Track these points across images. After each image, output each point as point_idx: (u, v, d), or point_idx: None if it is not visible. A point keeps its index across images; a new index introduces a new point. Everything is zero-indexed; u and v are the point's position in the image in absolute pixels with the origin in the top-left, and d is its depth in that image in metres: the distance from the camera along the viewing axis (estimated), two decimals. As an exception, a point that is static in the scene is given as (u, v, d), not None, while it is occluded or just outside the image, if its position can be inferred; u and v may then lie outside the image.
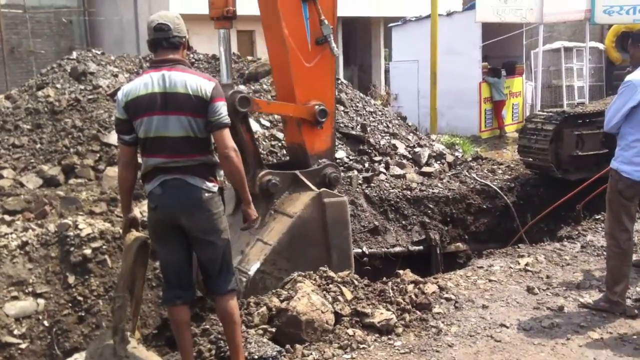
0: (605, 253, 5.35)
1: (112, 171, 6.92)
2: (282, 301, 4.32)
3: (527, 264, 5.91)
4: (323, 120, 4.30)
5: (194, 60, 10.31)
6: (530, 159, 8.74)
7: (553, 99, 15.29)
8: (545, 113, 8.98)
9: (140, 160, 3.89)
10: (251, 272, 4.08)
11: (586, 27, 14.84)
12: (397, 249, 7.32)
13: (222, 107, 3.74)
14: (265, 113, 8.75)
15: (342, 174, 5.76)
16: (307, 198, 4.21)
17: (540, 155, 8.50)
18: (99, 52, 9.64)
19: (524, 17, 13.55)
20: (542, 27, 13.79)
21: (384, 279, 5.15)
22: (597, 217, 7.41)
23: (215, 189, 3.85)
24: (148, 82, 3.70)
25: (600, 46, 16.61)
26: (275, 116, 8.69)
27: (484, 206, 8.28)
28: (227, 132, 3.77)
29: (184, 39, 3.81)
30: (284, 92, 4.37)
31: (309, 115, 4.25)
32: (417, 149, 9.39)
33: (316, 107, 4.29)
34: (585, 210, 7.83)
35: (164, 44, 3.73)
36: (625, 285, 4.91)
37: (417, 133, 10.50)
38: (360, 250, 6.92)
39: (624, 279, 4.92)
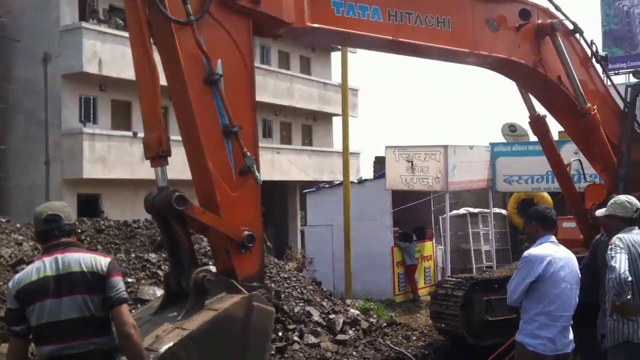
0: None
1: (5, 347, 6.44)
2: None
3: None
4: (251, 245, 4.37)
5: (104, 226, 10.16)
6: (443, 325, 8.80)
7: (462, 262, 15.80)
8: (454, 279, 9.19)
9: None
10: (161, 350, 3.85)
11: (489, 194, 15.79)
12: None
13: (119, 282, 3.64)
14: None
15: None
16: (237, 297, 4.21)
17: (452, 321, 8.58)
18: (3, 220, 9.36)
19: (431, 186, 14.32)
20: (447, 195, 14.55)
21: None
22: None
23: None
24: (40, 267, 3.58)
25: (504, 212, 17.57)
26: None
27: (400, 376, 8.16)
28: (125, 308, 3.63)
29: (74, 225, 3.81)
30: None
31: (237, 236, 4.34)
32: (332, 316, 9.32)
33: (245, 232, 4.36)
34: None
35: (56, 233, 3.68)
36: None
37: (332, 298, 10.47)
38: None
39: None
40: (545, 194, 15.29)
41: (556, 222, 5.19)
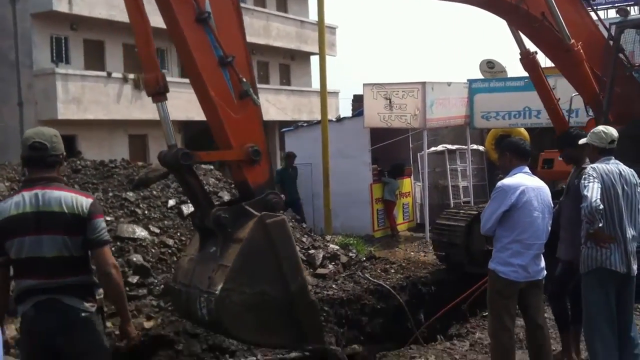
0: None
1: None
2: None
3: (419, 365, 5.93)
4: (258, 158, 4.89)
5: (80, 167, 10.08)
6: (444, 254, 9.22)
7: (440, 198, 15.96)
8: (456, 210, 9.56)
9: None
10: (217, 292, 4.47)
11: (467, 131, 15.85)
12: (293, 354, 7.16)
13: (101, 224, 3.65)
14: (156, 220, 8.66)
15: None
16: (251, 223, 4.71)
17: (454, 250, 9.04)
18: (-23, 160, 9.24)
19: (409, 123, 14.31)
20: (425, 132, 14.59)
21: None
22: (485, 314, 7.61)
23: (94, 309, 3.66)
24: (19, 202, 3.55)
25: (481, 148, 17.69)
26: (165, 222, 8.62)
27: (378, 306, 8.34)
28: (107, 250, 3.66)
29: (60, 157, 3.72)
30: (222, 143, 4.94)
31: (245, 156, 4.85)
32: (312, 251, 9.44)
33: (249, 148, 4.83)
34: (476, 307, 8.03)
35: (39, 163, 3.62)
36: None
37: (312, 234, 10.59)
38: (254, 359, 6.72)
39: (509, 377, 5.03)
40: (523, 130, 15.40)
41: (529, 153, 5.24)
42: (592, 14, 8.21)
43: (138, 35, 4.49)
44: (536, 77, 8.19)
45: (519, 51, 8.10)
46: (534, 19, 7.09)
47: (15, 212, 3.53)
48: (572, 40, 7.20)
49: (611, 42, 8.06)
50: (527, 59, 7.97)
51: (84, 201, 3.60)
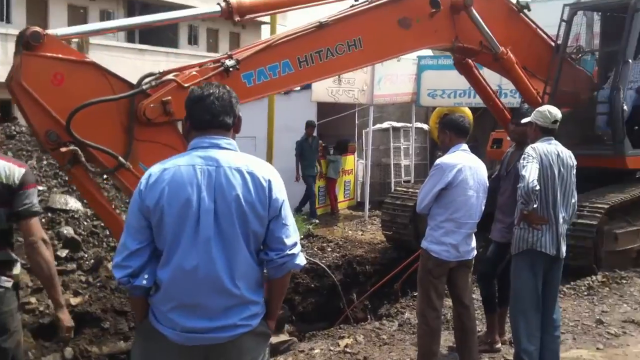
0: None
1: None
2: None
3: (346, 346, 6.00)
4: None
5: (15, 132, 9.78)
6: (392, 233, 9.39)
7: (382, 176, 16.08)
8: (404, 189, 9.62)
9: None
10: None
11: (412, 109, 15.93)
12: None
13: (32, 195, 3.51)
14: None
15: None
16: None
17: (402, 230, 9.16)
18: None
19: (356, 99, 14.28)
20: (372, 108, 14.60)
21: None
22: (415, 294, 7.74)
23: (9, 284, 3.54)
24: None
25: (425, 127, 17.83)
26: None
27: (312, 285, 8.41)
28: (36, 221, 3.54)
29: None
30: None
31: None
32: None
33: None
34: (408, 286, 8.17)
35: None
36: (434, 364, 5.11)
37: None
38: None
39: (434, 357, 5.10)
40: (467, 109, 15.56)
41: (469, 130, 5.22)
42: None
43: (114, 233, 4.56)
44: (472, 79, 8.33)
45: (452, 58, 8.20)
46: (469, 50, 7.42)
47: None
48: (501, 49, 7.36)
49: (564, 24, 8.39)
50: (461, 65, 8.03)
51: (17, 171, 3.47)
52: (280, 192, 2.89)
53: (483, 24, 7.20)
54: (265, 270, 2.90)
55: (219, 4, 5.63)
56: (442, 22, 6.94)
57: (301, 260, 2.93)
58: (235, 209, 2.75)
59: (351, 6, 6.38)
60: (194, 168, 2.76)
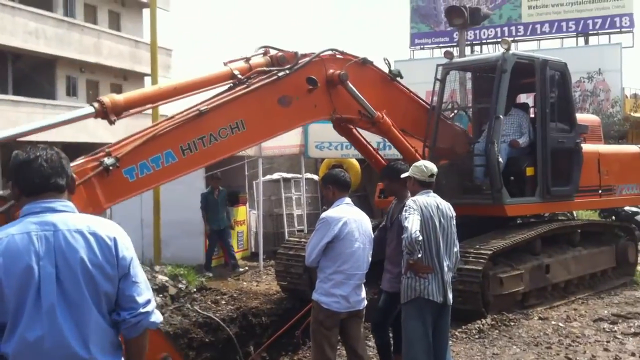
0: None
1: None
2: None
3: (246, 401, 5.78)
4: None
5: None
6: (287, 283, 9.26)
7: (275, 226, 15.99)
8: (297, 239, 9.52)
9: None
10: None
11: (302, 160, 16.07)
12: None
13: None
14: None
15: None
16: None
17: (297, 280, 9.04)
18: None
19: (244, 151, 14.20)
20: (261, 159, 14.58)
21: None
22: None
23: None
24: None
25: (315, 177, 18.02)
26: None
27: (207, 339, 8.10)
28: None
29: None
30: None
31: None
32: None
33: None
34: (307, 335, 8.04)
35: None
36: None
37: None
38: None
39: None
40: (354, 160, 15.92)
41: (349, 184, 5.42)
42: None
43: None
44: (353, 139, 8.48)
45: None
46: (348, 119, 7.67)
47: None
48: (377, 114, 7.63)
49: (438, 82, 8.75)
50: (340, 127, 8.14)
51: None
52: (127, 249, 2.75)
53: (358, 93, 7.48)
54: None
55: (92, 105, 5.43)
56: (320, 98, 7.14)
57: (157, 317, 2.82)
58: (81, 272, 2.61)
59: (229, 88, 6.37)
60: (29, 235, 2.60)
